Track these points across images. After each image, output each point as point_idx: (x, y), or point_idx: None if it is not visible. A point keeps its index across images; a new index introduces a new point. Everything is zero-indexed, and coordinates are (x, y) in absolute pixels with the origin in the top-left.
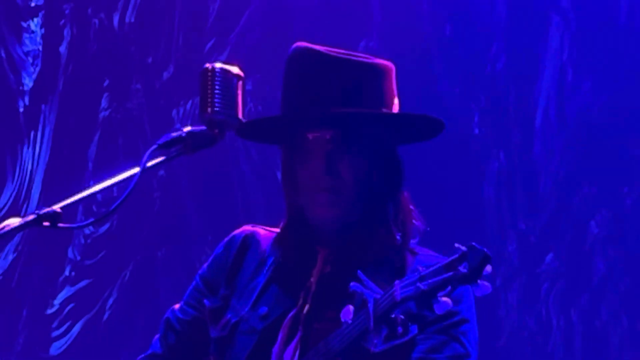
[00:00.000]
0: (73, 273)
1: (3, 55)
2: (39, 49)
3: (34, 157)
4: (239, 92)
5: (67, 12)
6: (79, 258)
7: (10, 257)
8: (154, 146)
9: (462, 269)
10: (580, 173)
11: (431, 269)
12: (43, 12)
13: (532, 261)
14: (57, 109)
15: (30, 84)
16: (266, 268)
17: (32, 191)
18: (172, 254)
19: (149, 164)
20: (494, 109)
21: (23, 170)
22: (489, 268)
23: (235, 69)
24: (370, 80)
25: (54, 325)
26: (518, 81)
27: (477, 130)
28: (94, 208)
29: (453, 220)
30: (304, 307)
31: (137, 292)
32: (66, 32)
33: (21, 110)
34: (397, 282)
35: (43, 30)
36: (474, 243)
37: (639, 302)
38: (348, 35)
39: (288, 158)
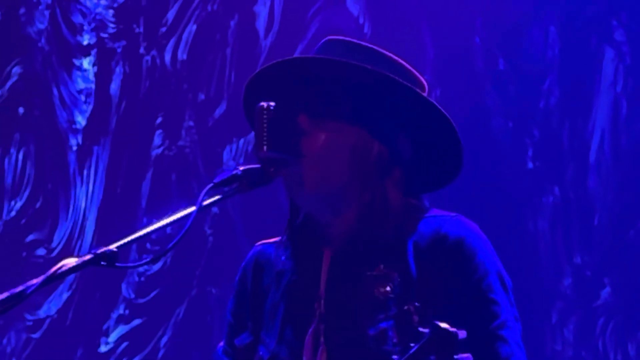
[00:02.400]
0: (127, 311)
1: (55, 93)
2: (91, 87)
3: (87, 195)
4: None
5: (119, 50)
6: (133, 296)
7: (65, 295)
8: (210, 185)
9: (433, 358)
10: (637, 207)
11: (405, 357)
12: (95, 50)
13: (588, 296)
14: (110, 147)
15: (84, 123)
16: (281, 286)
17: (86, 229)
18: (226, 290)
19: (205, 202)
20: (548, 143)
21: (76, 208)
22: (462, 334)
23: None
24: (394, 68)
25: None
26: (572, 115)
27: (531, 165)
28: (148, 246)
29: (507, 255)
30: (320, 321)
31: (191, 330)
32: (118, 70)
33: (74, 148)
34: None
35: (95, 69)
36: (437, 322)
37: None
38: None
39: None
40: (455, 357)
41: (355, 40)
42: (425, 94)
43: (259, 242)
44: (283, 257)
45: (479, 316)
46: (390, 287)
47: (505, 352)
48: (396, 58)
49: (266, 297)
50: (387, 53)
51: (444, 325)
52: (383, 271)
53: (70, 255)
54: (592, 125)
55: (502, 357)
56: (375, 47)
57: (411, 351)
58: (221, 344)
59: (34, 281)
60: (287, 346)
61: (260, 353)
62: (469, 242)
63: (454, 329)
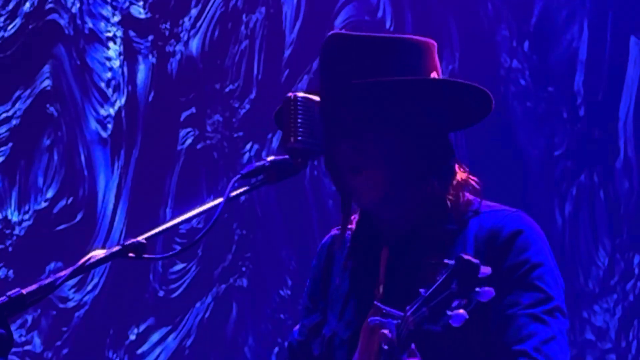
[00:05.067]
0: (152, 303)
1: (85, 85)
2: (119, 80)
3: (118, 188)
4: None
5: (147, 43)
6: (160, 288)
7: (94, 289)
8: (238, 176)
9: (454, 286)
10: None
11: (431, 290)
12: (122, 43)
13: (617, 286)
14: (140, 139)
15: (113, 114)
16: (347, 272)
17: (115, 221)
18: (255, 283)
19: (233, 193)
20: (576, 130)
21: (106, 200)
22: (485, 270)
23: (317, 98)
24: (397, 53)
25: (138, 352)
26: (601, 123)
27: (557, 152)
28: (176, 239)
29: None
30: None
31: (217, 324)
32: (146, 63)
33: (104, 140)
34: (407, 307)
35: (124, 62)
36: (461, 254)
37: None
38: None
39: (328, 145)
40: (478, 289)
41: (356, 34)
42: (435, 52)
43: (334, 229)
44: (347, 245)
45: (526, 300)
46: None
47: (546, 333)
48: (396, 36)
49: (334, 280)
50: (387, 36)
51: (467, 256)
52: (441, 259)
53: (101, 247)
54: (621, 133)
55: (542, 338)
56: (376, 35)
57: (437, 283)
58: (297, 326)
59: (63, 272)
60: (346, 325)
61: (324, 331)
62: (526, 236)
63: (477, 261)
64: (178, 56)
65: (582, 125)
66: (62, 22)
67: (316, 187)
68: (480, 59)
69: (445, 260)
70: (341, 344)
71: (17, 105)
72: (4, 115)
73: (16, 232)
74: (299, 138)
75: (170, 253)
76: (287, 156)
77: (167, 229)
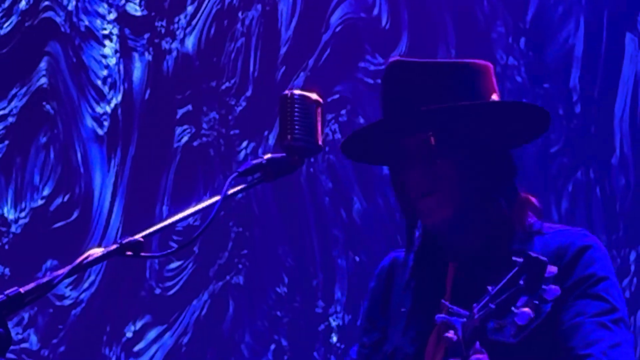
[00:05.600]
0: (149, 301)
1: (81, 82)
2: (115, 78)
3: (115, 185)
4: (318, 118)
5: (143, 41)
6: (156, 286)
7: (91, 286)
8: (235, 174)
9: (521, 282)
10: None
11: (498, 287)
12: (118, 40)
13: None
14: (136, 136)
15: (109, 112)
16: (409, 291)
17: (112, 219)
18: (252, 280)
19: (230, 191)
20: (572, 127)
21: (103, 198)
22: (552, 269)
23: (314, 95)
24: (459, 78)
25: (135, 349)
26: (597, 120)
27: (553, 148)
28: (173, 237)
29: None
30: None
31: (213, 321)
32: (142, 60)
33: (100, 137)
34: (474, 304)
35: (120, 59)
36: (530, 252)
37: None
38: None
39: (393, 173)
40: (544, 286)
41: (418, 61)
42: (493, 74)
43: (393, 251)
44: (410, 265)
45: (593, 310)
46: None
47: (612, 339)
48: (457, 61)
49: (395, 299)
50: (449, 62)
51: (535, 254)
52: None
53: (98, 245)
54: (615, 130)
55: (609, 343)
56: (438, 61)
57: (505, 279)
58: (354, 347)
59: (61, 271)
60: (411, 341)
61: (385, 347)
62: (592, 251)
63: (544, 258)
64: (174, 54)
65: (578, 121)
66: (58, 19)
67: (313, 184)
68: (476, 55)
69: (514, 258)
70: (405, 359)
71: (13, 103)
72: (1, 112)
73: (12, 229)
74: (296, 136)
75: (168, 251)
76: (283, 154)
77: (164, 227)
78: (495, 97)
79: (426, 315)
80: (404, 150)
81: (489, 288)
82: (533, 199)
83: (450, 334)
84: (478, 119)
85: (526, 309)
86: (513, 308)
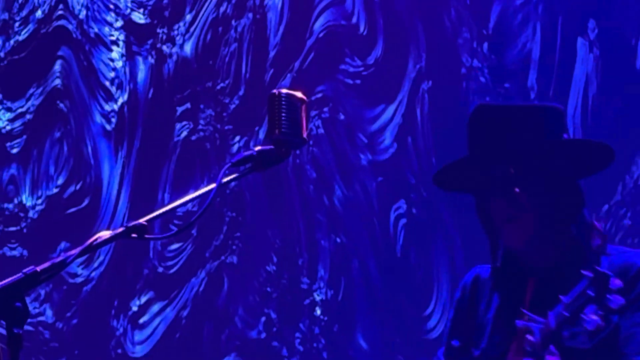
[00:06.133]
0: (152, 278)
1: (91, 83)
2: (122, 79)
3: (121, 175)
4: (303, 114)
5: (146, 46)
6: (159, 265)
7: (100, 265)
8: (228, 164)
9: (590, 292)
10: (604, 184)
11: (570, 297)
12: (125, 46)
13: None
14: (141, 131)
15: (117, 109)
16: (493, 302)
17: (119, 205)
18: (244, 260)
19: (224, 180)
20: None
21: (111, 187)
22: (617, 282)
23: (299, 94)
24: (535, 119)
25: (140, 322)
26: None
27: None
28: (174, 221)
29: None
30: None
31: (210, 297)
32: (146, 63)
33: (109, 132)
34: (550, 313)
35: (126, 63)
36: (597, 267)
37: None
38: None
39: (480, 199)
40: (609, 296)
41: (501, 105)
42: (565, 115)
43: (476, 267)
44: (494, 280)
45: None
46: None
47: None
48: (535, 105)
49: (480, 309)
50: (527, 104)
51: (601, 269)
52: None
53: (106, 229)
54: (569, 104)
55: None
56: (519, 105)
57: (576, 290)
58: (440, 349)
59: (73, 251)
60: (496, 346)
61: (471, 350)
62: None
63: (610, 272)
64: (174, 57)
65: None
66: (70, 27)
67: (298, 174)
68: (444, 58)
69: (584, 272)
70: None
71: (30, 102)
72: (19, 110)
73: (30, 215)
74: (283, 130)
75: (169, 233)
76: (272, 146)
77: (165, 212)
78: (566, 135)
79: (508, 323)
80: (488, 182)
81: (562, 298)
82: (598, 225)
83: (529, 337)
84: (551, 155)
85: (594, 317)
86: (583, 315)
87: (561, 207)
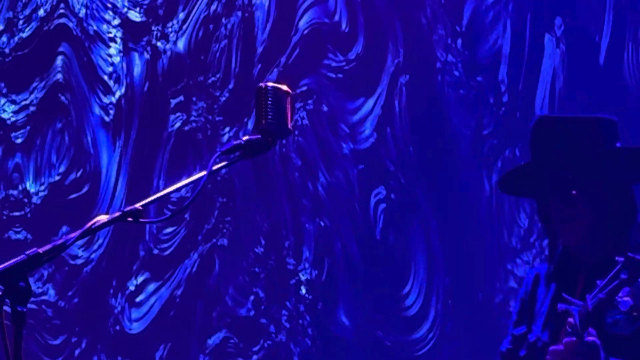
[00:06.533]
0: (148, 260)
1: (91, 77)
2: (119, 74)
3: (119, 163)
4: (288, 106)
5: (142, 43)
6: (154, 247)
7: (99, 248)
8: (218, 152)
9: (623, 275)
10: None
11: (605, 281)
12: (122, 42)
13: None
14: (137, 122)
15: (114, 102)
16: (549, 295)
17: (117, 191)
18: (234, 242)
19: (214, 167)
20: (502, 112)
21: (109, 173)
22: None
23: (284, 87)
24: (595, 131)
25: (137, 300)
26: (521, 107)
27: (486, 131)
28: (168, 205)
29: (465, 210)
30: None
31: (202, 277)
32: (142, 59)
33: (107, 123)
34: (587, 295)
35: (123, 58)
36: (629, 254)
37: None
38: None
39: (540, 202)
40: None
41: (562, 116)
42: (617, 126)
43: (538, 265)
44: (550, 274)
45: None
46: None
47: None
48: (594, 117)
49: (538, 302)
50: (585, 116)
51: (632, 254)
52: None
53: (104, 213)
54: (537, 96)
55: None
56: (579, 117)
57: (610, 274)
58: (506, 338)
59: (73, 234)
60: (548, 333)
61: (529, 337)
62: None
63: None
64: (168, 53)
65: (505, 109)
66: (70, 25)
67: (285, 162)
68: (420, 53)
69: (617, 258)
70: (543, 346)
71: (33, 95)
72: (23, 103)
73: (34, 200)
74: (270, 120)
75: (163, 217)
76: (259, 136)
77: (159, 197)
78: (619, 144)
79: (560, 314)
80: (548, 185)
81: (598, 282)
82: None
83: (570, 319)
84: (605, 162)
85: (627, 298)
86: (617, 297)
87: (614, 210)
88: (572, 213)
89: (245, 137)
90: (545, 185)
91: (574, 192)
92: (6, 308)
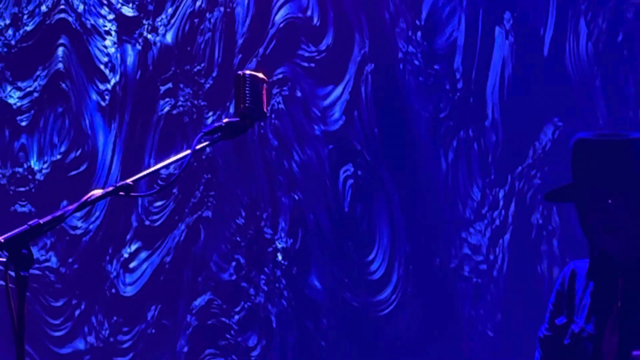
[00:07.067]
0: (140, 230)
1: (87, 66)
2: (114, 63)
3: (114, 144)
4: (264, 92)
5: (135, 35)
6: (146, 219)
7: (97, 219)
8: (201, 133)
9: None
10: (520, 149)
11: None
12: (116, 35)
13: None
14: (130, 107)
15: (110, 89)
16: (589, 290)
17: (112, 168)
18: (217, 214)
19: (198, 147)
20: (458, 97)
21: (105, 152)
22: None
23: (260, 75)
24: (628, 152)
25: (130, 266)
26: (474, 93)
27: (442, 114)
28: (158, 181)
29: (424, 185)
30: (617, 313)
31: (189, 245)
32: (134, 50)
33: (103, 108)
34: None
35: (118, 49)
36: None
37: None
38: (343, 47)
39: (582, 210)
40: None
41: (599, 139)
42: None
43: (571, 262)
44: (592, 272)
45: None
46: None
47: None
48: (626, 138)
49: (577, 295)
50: (618, 137)
51: None
52: None
53: (99, 188)
54: (488, 83)
55: None
56: (610, 138)
57: None
58: (543, 325)
59: (70, 207)
60: (594, 326)
61: (572, 327)
62: None
63: None
64: (158, 45)
65: (460, 94)
66: (70, 19)
67: (263, 142)
68: (384, 44)
69: None
70: (588, 337)
71: (37, 82)
72: (28, 89)
73: (37, 177)
74: (247, 105)
75: (151, 191)
76: (238, 119)
77: (148, 173)
78: None
79: (603, 309)
80: (588, 200)
81: None
82: None
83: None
84: (635, 179)
85: None
86: None
87: None
88: (610, 225)
89: (226, 120)
90: (585, 198)
91: (609, 201)
92: (11, 272)
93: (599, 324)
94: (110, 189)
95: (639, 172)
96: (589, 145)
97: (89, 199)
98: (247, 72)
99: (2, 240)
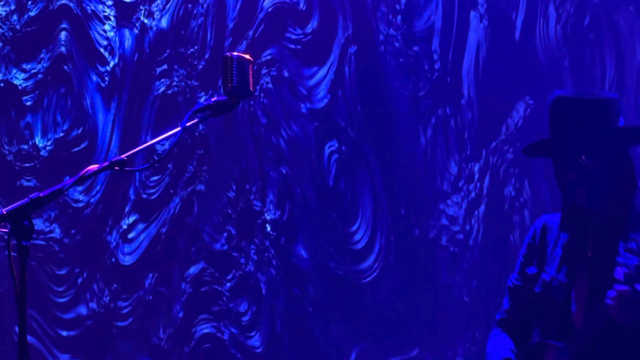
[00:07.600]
0: (138, 203)
1: (88, 49)
2: (113, 47)
3: (113, 122)
4: (250, 72)
5: (132, 20)
6: (143, 192)
7: (97, 193)
8: (191, 111)
9: None
10: (493, 126)
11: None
12: (115, 19)
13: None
14: (128, 86)
15: (109, 70)
16: (560, 242)
17: (112, 144)
18: (210, 187)
19: (188, 124)
20: (435, 77)
21: (105, 129)
22: None
23: (247, 56)
24: (604, 111)
25: (129, 237)
26: (451, 73)
27: (421, 93)
28: (154, 157)
29: (404, 161)
30: (588, 263)
31: (183, 217)
32: (132, 34)
33: (103, 88)
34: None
35: (116, 33)
36: None
37: None
38: (326, 34)
39: (558, 167)
40: None
41: (578, 97)
42: (618, 106)
43: (543, 215)
44: (564, 224)
45: None
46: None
47: None
48: (601, 96)
49: (549, 246)
50: (594, 96)
51: None
52: (632, 240)
53: (96, 163)
54: (464, 64)
55: None
56: (586, 96)
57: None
58: (513, 275)
59: (69, 181)
60: (565, 274)
61: (543, 276)
62: None
63: None
64: (154, 29)
65: (438, 74)
66: (71, 5)
67: (252, 119)
68: (367, 28)
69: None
70: (559, 285)
71: (41, 64)
72: (32, 71)
73: (42, 154)
74: (234, 84)
75: (145, 166)
76: (225, 97)
77: (141, 149)
78: (621, 118)
79: (574, 259)
80: (564, 154)
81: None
82: None
83: (626, 269)
84: (610, 138)
85: None
86: None
87: (617, 175)
88: (583, 178)
89: (214, 98)
90: (562, 154)
91: (583, 157)
92: (13, 241)
93: (570, 273)
94: (106, 164)
95: (612, 130)
96: (566, 102)
97: (85, 174)
98: (234, 53)
99: (5, 212)
